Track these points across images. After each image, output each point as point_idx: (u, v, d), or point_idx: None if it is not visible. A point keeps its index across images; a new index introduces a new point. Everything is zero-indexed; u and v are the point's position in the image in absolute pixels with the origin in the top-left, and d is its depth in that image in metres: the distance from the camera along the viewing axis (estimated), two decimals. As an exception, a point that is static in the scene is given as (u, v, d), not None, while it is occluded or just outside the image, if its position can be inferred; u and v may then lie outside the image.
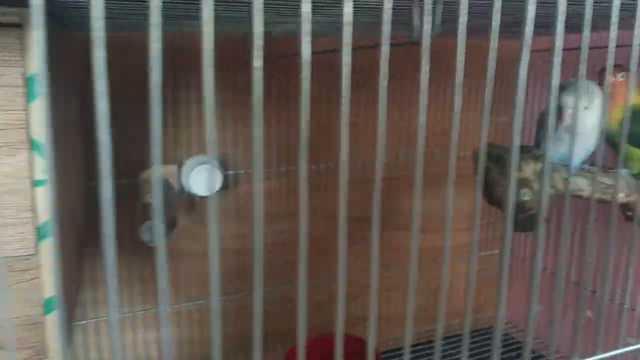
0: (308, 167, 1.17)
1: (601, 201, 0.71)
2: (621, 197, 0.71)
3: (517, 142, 0.33)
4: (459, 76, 0.33)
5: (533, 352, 1.21)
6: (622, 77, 0.70)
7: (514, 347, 1.25)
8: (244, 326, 1.10)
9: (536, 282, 0.38)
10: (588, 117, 0.68)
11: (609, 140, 0.74)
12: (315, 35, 0.32)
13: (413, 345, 1.23)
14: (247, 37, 0.35)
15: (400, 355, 1.19)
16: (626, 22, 0.59)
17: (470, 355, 1.15)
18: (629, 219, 0.81)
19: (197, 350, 1.08)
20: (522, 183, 0.60)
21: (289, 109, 1.03)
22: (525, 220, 0.58)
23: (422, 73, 0.32)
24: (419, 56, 0.34)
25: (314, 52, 0.34)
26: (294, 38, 0.96)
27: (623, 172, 0.72)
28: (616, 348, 0.44)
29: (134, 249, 0.98)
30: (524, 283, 1.27)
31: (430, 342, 1.25)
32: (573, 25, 0.83)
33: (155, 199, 0.33)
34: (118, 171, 0.39)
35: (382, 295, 1.22)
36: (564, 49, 0.40)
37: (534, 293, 0.40)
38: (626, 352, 0.44)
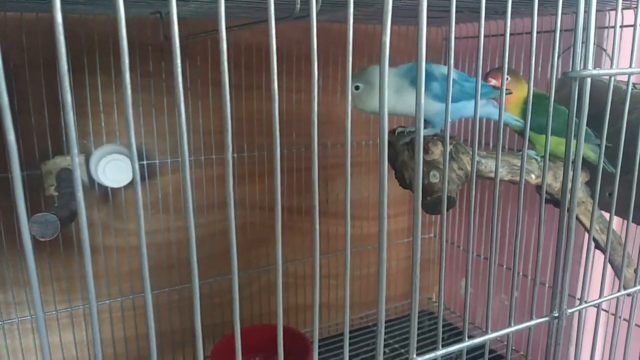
0: (236, 155, 1.12)
1: (513, 182, 0.73)
2: (532, 178, 0.73)
3: (421, 124, 0.32)
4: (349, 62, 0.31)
5: (460, 330, 1.25)
6: (507, 79, 0.74)
7: (447, 329, 1.28)
8: (173, 321, 1.06)
9: (443, 262, 0.37)
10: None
11: (518, 133, 0.80)
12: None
13: (350, 331, 1.24)
14: (159, 19, 0.32)
15: (335, 342, 1.19)
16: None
17: (402, 340, 1.17)
18: (547, 200, 0.84)
19: (120, 350, 1.03)
20: (431, 165, 0.61)
21: (206, 95, 0.99)
22: (434, 202, 0.58)
23: (312, 54, 0.30)
24: (342, 41, 0.32)
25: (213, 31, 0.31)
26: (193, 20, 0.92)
27: (531, 153, 0.75)
28: (530, 320, 0.44)
29: (41, 246, 0.91)
30: (457, 267, 1.30)
31: (364, 328, 1.26)
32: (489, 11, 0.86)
33: (78, 192, 0.30)
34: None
35: (319, 283, 1.22)
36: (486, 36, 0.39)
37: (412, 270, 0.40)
38: (537, 324, 0.45)
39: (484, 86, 0.73)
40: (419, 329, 1.27)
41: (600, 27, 0.84)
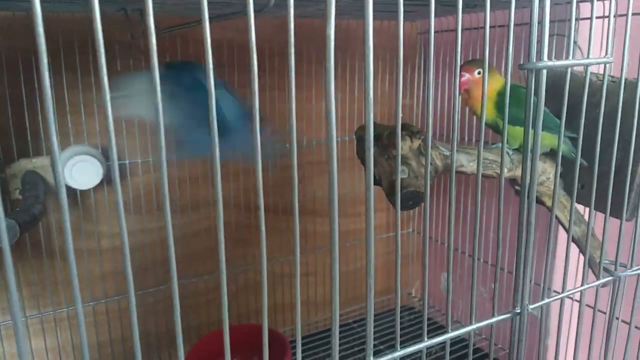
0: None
1: (485, 176, 0.73)
2: (505, 171, 0.73)
3: (370, 120, 0.31)
4: (330, 59, 0.31)
5: (438, 324, 1.25)
6: (479, 73, 0.73)
7: (420, 323, 1.28)
8: (147, 325, 1.04)
9: (398, 255, 0.36)
10: None
11: (490, 126, 0.78)
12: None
13: (326, 330, 1.23)
14: (124, 17, 0.30)
15: (315, 341, 1.18)
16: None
17: (382, 336, 1.17)
18: (518, 193, 0.84)
19: (93, 355, 1.01)
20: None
21: None
22: (403, 198, 0.57)
23: (289, 48, 0.29)
24: (315, 36, 0.31)
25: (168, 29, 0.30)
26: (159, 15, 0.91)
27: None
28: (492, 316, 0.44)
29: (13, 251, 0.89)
30: (436, 262, 1.31)
31: (344, 325, 1.25)
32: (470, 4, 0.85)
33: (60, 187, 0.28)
34: None
35: (292, 282, 1.21)
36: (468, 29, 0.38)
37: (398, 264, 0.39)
38: (499, 321, 0.44)
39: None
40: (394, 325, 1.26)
41: (559, 20, 0.85)
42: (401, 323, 1.30)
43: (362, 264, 1.31)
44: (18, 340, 0.30)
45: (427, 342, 0.42)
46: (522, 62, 0.38)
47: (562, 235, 0.97)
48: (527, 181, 0.40)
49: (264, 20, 0.96)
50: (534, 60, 0.35)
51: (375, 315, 1.30)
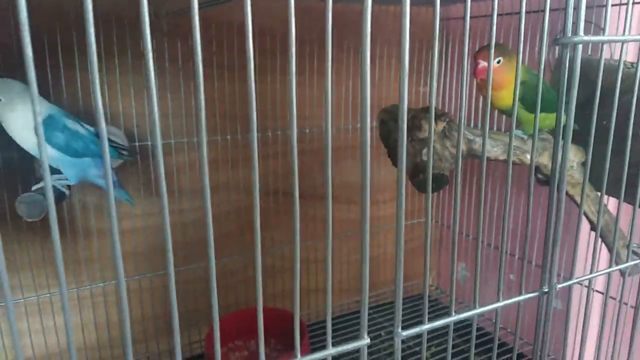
0: (221, 138, 1.11)
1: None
2: (528, 158, 0.72)
3: (404, 102, 0.31)
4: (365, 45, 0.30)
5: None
6: (499, 62, 0.69)
7: (443, 312, 1.28)
8: (165, 306, 1.06)
9: (400, 240, 0.36)
10: None
11: (505, 113, 0.76)
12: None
13: (342, 315, 1.24)
14: None
15: (336, 324, 1.18)
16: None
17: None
18: (540, 181, 0.83)
19: (112, 334, 1.03)
20: (423, 143, 0.59)
21: (219, 77, 0.98)
22: (426, 180, 0.57)
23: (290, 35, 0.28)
24: (339, 22, 0.30)
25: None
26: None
27: (518, 132, 0.73)
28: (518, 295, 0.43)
29: (20, 231, 0.91)
30: (452, 250, 1.30)
31: (358, 312, 1.26)
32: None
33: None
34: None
35: (309, 268, 1.22)
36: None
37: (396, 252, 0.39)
38: (526, 299, 0.44)
39: (94, 142, 0.73)
40: (412, 311, 1.26)
41: (588, 7, 0.83)
42: (417, 310, 1.30)
43: (382, 251, 1.31)
44: (65, 313, 0.30)
45: (454, 317, 0.42)
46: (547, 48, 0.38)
47: (583, 224, 0.95)
48: (558, 167, 0.39)
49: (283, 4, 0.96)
50: (570, 35, 0.35)
51: (389, 303, 1.31)
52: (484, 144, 0.37)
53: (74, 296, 0.97)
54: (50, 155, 0.70)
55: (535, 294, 0.43)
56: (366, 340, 0.32)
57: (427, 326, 0.37)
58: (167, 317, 1.07)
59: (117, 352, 1.03)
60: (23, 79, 0.75)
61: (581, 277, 0.46)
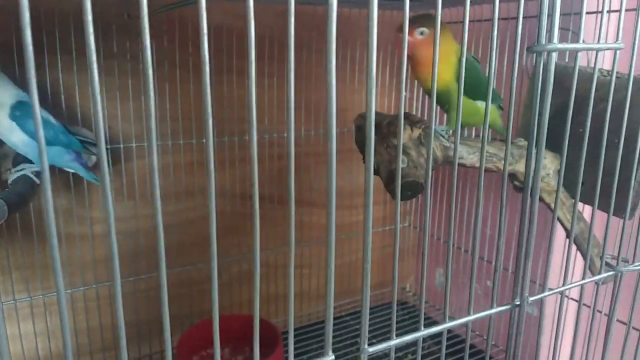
0: (196, 141, 1.08)
1: (486, 170, 0.71)
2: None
3: (372, 109, 0.30)
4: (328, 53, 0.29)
5: (432, 320, 1.24)
6: (422, 34, 0.61)
7: (416, 319, 1.27)
8: (139, 311, 1.03)
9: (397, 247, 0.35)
10: None
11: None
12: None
13: (319, 322, 1.22)
14: None
15: (308, 332, 1.17)
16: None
17: (375, 329, 1.16)
18: (516, 189, 0.83)
19: (82, 340, 1.00)
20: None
21: (173, 78, 0.96)
22: (401, 188, 0.56)
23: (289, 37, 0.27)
24: (325, 26, 0.29)
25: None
26: None
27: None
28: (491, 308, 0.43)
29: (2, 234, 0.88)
30: (433, 257, 1.30)
31: (336, 318, 1.24)
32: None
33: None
34: None
35: (285, 274, 1.20)
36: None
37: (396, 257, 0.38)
38: (498, 312, 0.43)
39: (63, 133, 0.76)
40: (389, 318, 1.25)
41: (564, 14, 0.83)
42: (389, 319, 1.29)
43: (357, 257, 1.30)
44: None
45: (423, 332, 0.41)
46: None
47: (558, 232, 0.96)
48: (531, 174, 0.39)
49: (264, 7, 0.95)
50: (544, 43, 0.34)
51: (372, 308, 1.30)
52: (455, 150, 0.36)
53: (40, 303, 0.94)
54: (22, 140, 0.70)
55: (507, 307, 0.42)
56: (330, 357, 0.31)
57: (395, 341, 0.36)
58: (140, 324, 1.04)
59: (90, 358, 1.00)
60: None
61: (555, 289, 0.45)
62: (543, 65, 0.35)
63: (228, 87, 1.01)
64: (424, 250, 0.41)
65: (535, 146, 0.41)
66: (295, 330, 1.17)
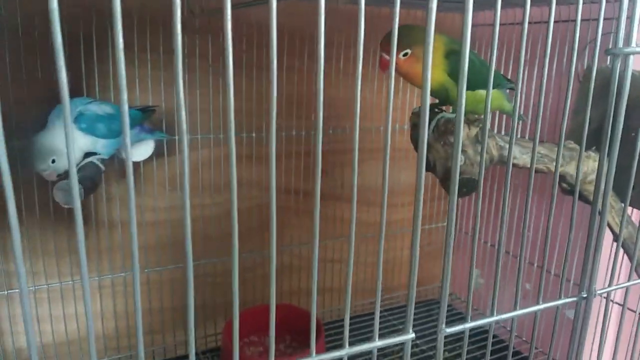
0: (246, 135, 1.12)
1: (537, 171, 0.72)
2: (553, 166, 0.72)
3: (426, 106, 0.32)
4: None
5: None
6: (405, 55, 0.63)
7: (456, 318, 1.28)
8: (182, 298, 1.07)
9: (449, 249, 0.37)
10: None
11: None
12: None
13: (356, 317, 1.24)
14: None
15: (351, 324, 1.19)
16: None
17: (415, 325, 1.17)
18: (564, 191, 0.83)
19: (130, 323, 1.04)
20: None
21: (218, 73, 1.00)
22: (458, 184, 0.58)
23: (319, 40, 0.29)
24: (367, 26, 0.31)
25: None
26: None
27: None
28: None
29: (61, 218, 0.92)
30: (469, 256, 1.30)
31: (372, 314, 1.26)
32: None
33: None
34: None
35: (325, 268, 1.23)
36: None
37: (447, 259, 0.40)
38: (565, 303, 0.44)
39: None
40: (426, 315, 1.27)
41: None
42: (431, 314, 1.30)
43: (397, 255, 1.31)
44: (23, 306, 0.30)
45: (470, 324, 0.42)
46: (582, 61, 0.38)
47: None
48: (602, 176, 0.40)
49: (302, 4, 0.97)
50: (621, 46, 0.35)
51: (405, 306, 1.31)
52: (510, 149, 0.38)
53: (95, 285, 0.99)
54: (96, 143, 0.76)
55: (574, 298, 0.43)
56: (411, 335, 0.33)
57: (470, 324, 0.38)
58: (184, 309, 1.08)
59: (134, 342, 1.05)
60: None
61: (621, 284, 0.47)
62: (619, 68, 0.36)
63: (278, 84, 1.04)
64: (473, 250, 0.42)
65: (591, 150, 0.42)
66: (333, 322, 1.20)
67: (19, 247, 0.27)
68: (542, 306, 0.42)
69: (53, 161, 0.69)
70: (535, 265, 1.09)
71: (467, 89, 0.69)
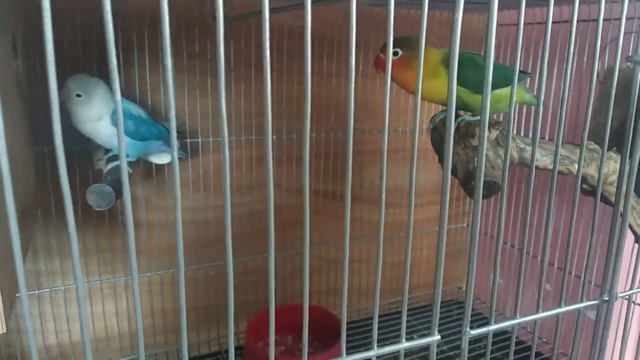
0: (276, 137, 1.14)
1: (560, 173, 0.73)
2: (575, 168, 0.72)
3: (452, 107, 0.33)
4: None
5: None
6: (397, 55, 0.66)
7: (475, 319, 1.28)
8: (209, 297, 1.09)
9: (475, 247, 0.38)
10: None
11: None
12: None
13: (379, 316, 1.25)
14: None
15: (365, 325, 1.20)
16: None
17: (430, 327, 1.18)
18: (585, 192, 0.83)
19: (158, 321, 1.07)
20: (476, 150, 0.61)
21: (248, 77, 1.01)
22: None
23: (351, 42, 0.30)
24: (383, 25, 0.32)
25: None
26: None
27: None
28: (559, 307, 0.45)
29: (89, 218, 0.95)
30: (489, 257, 1.30)
31: (394, 313, 1.27)
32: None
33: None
34: (67, 137, 0.37)
35: (350, 268, 1.24)
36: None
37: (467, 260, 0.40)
38: (586, 306, 0.45)
39: (153, 125, 0.82)
40: (445, 316, 1.27)
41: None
42: (450, 316, 1.31)
43: (417, 255, 1.32)
44: (79, 304, 0.33)
45: (494, 326, 0.43)
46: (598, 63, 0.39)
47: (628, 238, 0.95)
48: (625, 177, 0.41)
49: (333, 8, 0.98)
50: (643, 54, 0.36)
51: (425, 306, 1.32)
52: (533, 152, 0.38)
53: (122, 284, 1.02)
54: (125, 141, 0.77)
55: (595, 301, 0.44)
56: (437, 337, 0.34)
57: (494, 327, 0.39)
58: (206, 309, 1.10)
59: (158, 340, 1.07)
60: (96, 73, 0.80)
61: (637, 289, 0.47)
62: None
63: (298, 86, 1.06)
64: (496, 253, 0.43)
65: (612, 150, 0.43)
66: (353, 322, 1.21)
67: (75, 249, 0.29)
68: (564, 309, 0.43)
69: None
70: (555, 265, 1.09)
71: (475, 90, 0.70)
